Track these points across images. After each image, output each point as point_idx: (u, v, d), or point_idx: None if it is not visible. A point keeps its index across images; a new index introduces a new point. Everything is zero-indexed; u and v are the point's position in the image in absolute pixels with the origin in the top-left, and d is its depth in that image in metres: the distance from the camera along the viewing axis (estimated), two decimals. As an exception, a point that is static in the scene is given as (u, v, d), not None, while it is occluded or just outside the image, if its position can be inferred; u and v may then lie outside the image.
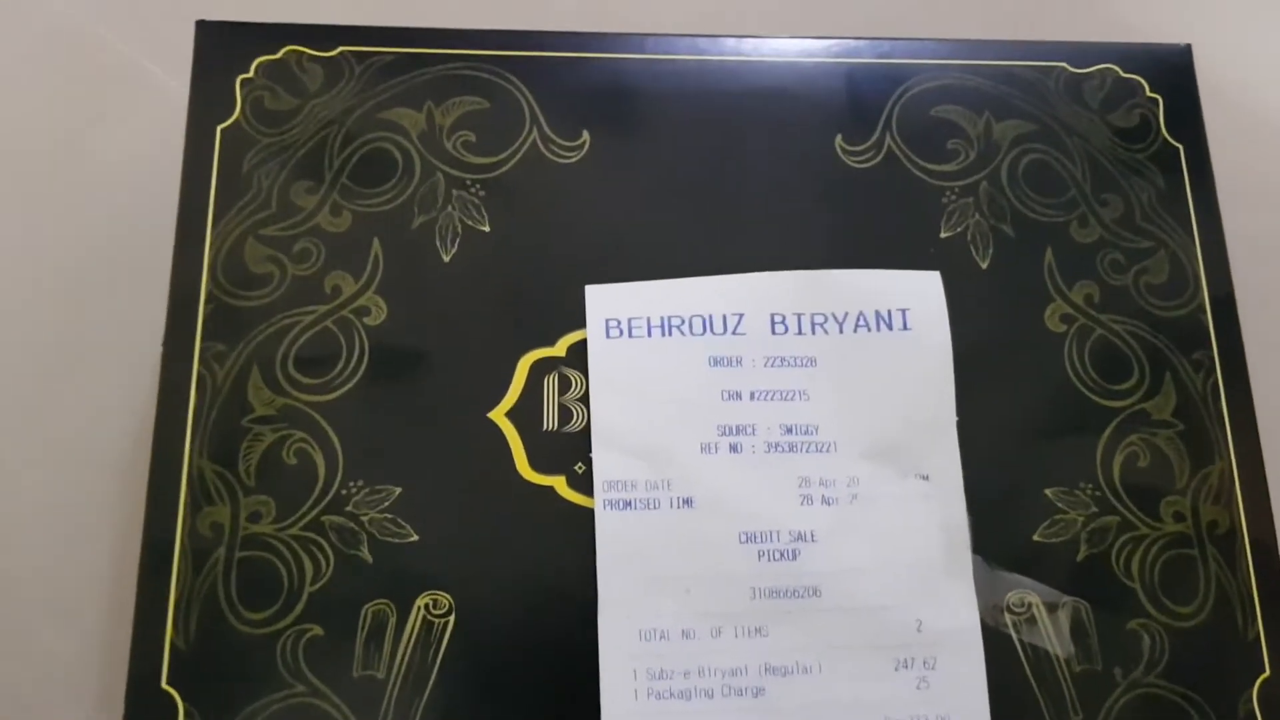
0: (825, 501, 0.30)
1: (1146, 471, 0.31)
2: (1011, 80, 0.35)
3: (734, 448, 0.30)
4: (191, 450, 0.30)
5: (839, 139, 0.34)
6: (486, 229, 0.32)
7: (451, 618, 0.29)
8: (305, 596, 0.29)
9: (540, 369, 0.31)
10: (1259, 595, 0.30)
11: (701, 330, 0.31)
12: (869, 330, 0.31)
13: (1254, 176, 0.39)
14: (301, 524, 0.29)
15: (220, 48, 0.33)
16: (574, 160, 0.33)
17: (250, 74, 0.33)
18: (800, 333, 0.31)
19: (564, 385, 0.31)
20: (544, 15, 0.35)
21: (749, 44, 0.35)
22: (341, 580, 0.29)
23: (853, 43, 0.35)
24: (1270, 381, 0.33)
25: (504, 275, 0.32)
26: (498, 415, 0.31)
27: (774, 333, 0.31)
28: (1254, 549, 0.31)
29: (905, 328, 0.31)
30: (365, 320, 0.31)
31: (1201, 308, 0.33)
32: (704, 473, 0.30)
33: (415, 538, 0.29)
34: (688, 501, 0.30)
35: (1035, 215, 0.33)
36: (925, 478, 0.30)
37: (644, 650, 0.29)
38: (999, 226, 0.33)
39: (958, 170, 0.33)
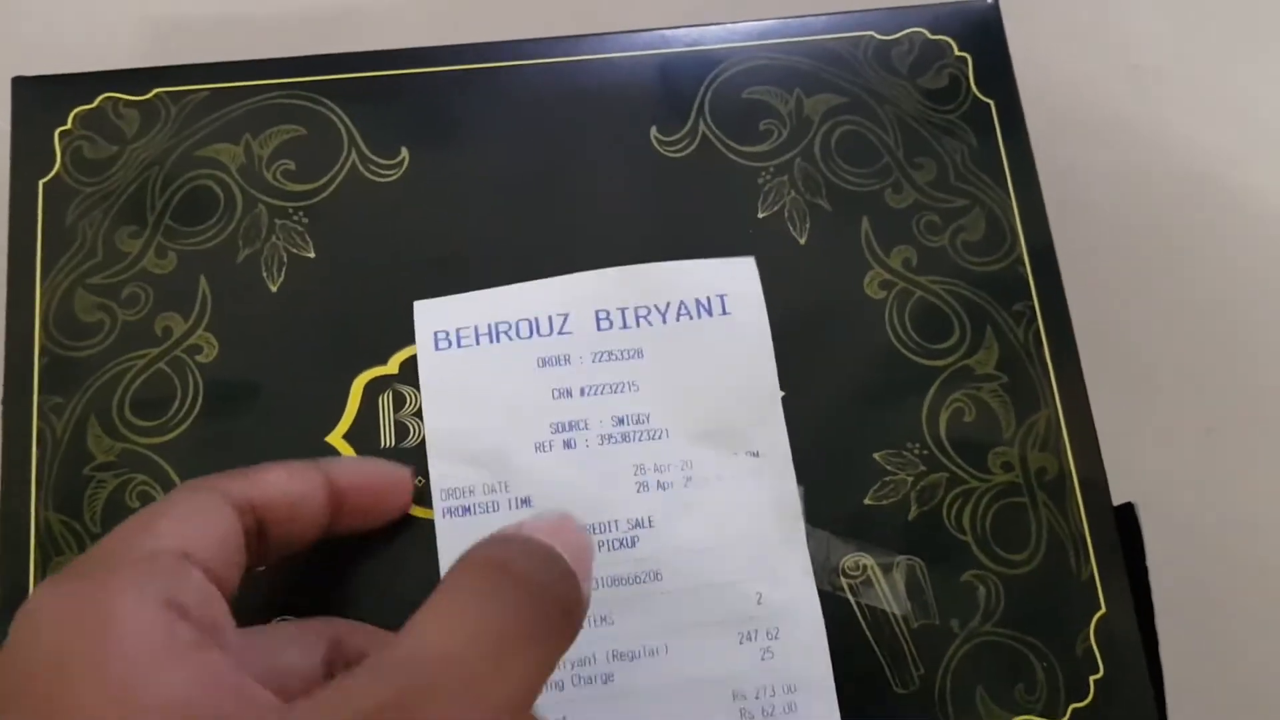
0: (661, 487, 0.31)
1: (972, 426, 0.32)
2: (821, 54, 0.35)
3: (568, 444, 0.31)
4: (38, 504, 0.30)
5: (654, 130, 0.34)
6: (312, 255, 0.33)
7: (303, 639, 0.30)
8: (158, 634, 0.29)
9: (374, 388, 0.32)
10: (1091, 535, 0.31)
11: (529, 334, 0.32)
12: (691, 318, 0.32)
13: (1071, 125, 0.40)
14: (149, 564, 0.30)
15: (37, 102, 0.34)
16: (395, 178, 0.33)
17: (68, 125, 0.33)
18: (625, 326, 0.32)
19: (399, 402, 0.32)
20: (355, 36, 0.36)
21: (562, 45, 0.35)
22: (192, 615, 0.30)
23: (664, 33, 0.35)
24: (1096, 325, 0.34)
25: (332, 299, 0.32)
26: (335, 438, 0.31)
27: (599, 329, 0.32)
28: (1084, 490, 0.32)
29: (725, 312, 0.32)
30: (197, 358, 0.32)
31: (1020, 260, 0.34)
32: (540, 471, 0.31)
33: (261, 567, 0.30)
34: (526, 501, 0.31)
35: (850, 186, 0.34)
36: (755, 454, 0.31)
37: None
38: (815, 201, 0.34)
39: (771, 150, 0.34)
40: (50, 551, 0.30)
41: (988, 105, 0.35)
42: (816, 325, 0.32)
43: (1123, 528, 0.31)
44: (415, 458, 0.31)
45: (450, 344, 0.32)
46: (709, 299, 0.32)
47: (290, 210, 0.33)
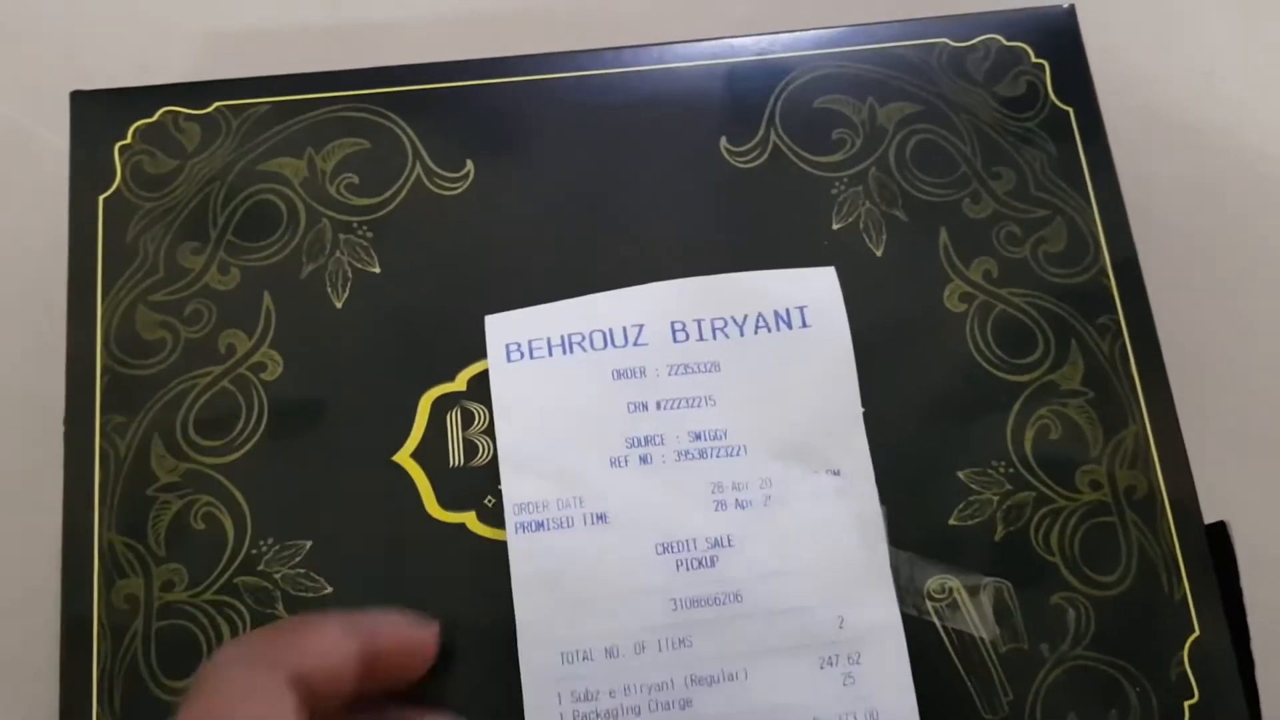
0: (739, 505, 0.30)
1: (1059, 443, 0.31)
2: (893, 62, 0.34)
3: (644, 459, 0.30)
4: (101, 525, 0.30)
5: (723, 141, 0.33)
6: (377, 270, 0.32)
7: (373, 665, 0.29)
8: (225, 659, 0.29)
9: (442, 406, 0.31)
10: (1183, 556, 0.30)
11: (603, 345, 0.31)
12: (769, 331, 0.31)
13: (1150, 133, 0.39)
14: (215, 588, 0.29)
15: (97, 117, 0.33)
16: (460, 191, 0.33)
17: (128, 140, 0.33)
18: (701, 339, 0.31)
19: (467, 420, 0.31)
20: (416, 48, 0.35)
21: (626, 54, 0.34)
22: (260, 639, 0.29)
23: (730, 42, 0.34)
24: (1180, 338, 0.33)
25: (398, 315, 0.32)
26: (402, 457, 0.30)
27: (675, 341, 0.31)
28: (1174, 509, 0.31)
29: (804, 325, 0.31)
30: (262, 376, 0.31)
31: (1104, 272, 0.33)
32: (615, 487, 0.30)
33: (329, 590, 0.29)
34: (601, 517, 0.30)
35: (926, 196, 0.33)
36: (836, 473, 0.30)
37: (567, 673, 0.29)
38: (890, 212, 0.33)
39: (845, 160, 0.33)
40: (114, 574, 0.29)
41: (1066, 113, 0.34)
42: (896, 339, 0.32)
43: (1215, 547, 0.30)
44: (485, 476, 0.30)
45: (523, 356, 0.31)
46: (788, 311, 0.31)
47: (354, 225, 0.32)
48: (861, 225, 0.33)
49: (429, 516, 0.30)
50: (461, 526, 0.30)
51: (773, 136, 0.33)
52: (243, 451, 0.30)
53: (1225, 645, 0.30)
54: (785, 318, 0.31)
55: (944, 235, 0.33)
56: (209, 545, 0.30)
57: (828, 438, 0.30)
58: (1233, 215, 0.38)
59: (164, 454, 0.30)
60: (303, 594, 0.29)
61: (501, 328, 0.31)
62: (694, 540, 0.30)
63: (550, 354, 0.31)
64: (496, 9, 0.41)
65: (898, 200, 0.33)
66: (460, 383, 0.31)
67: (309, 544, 0.30)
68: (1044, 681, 0.29)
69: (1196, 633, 0.30)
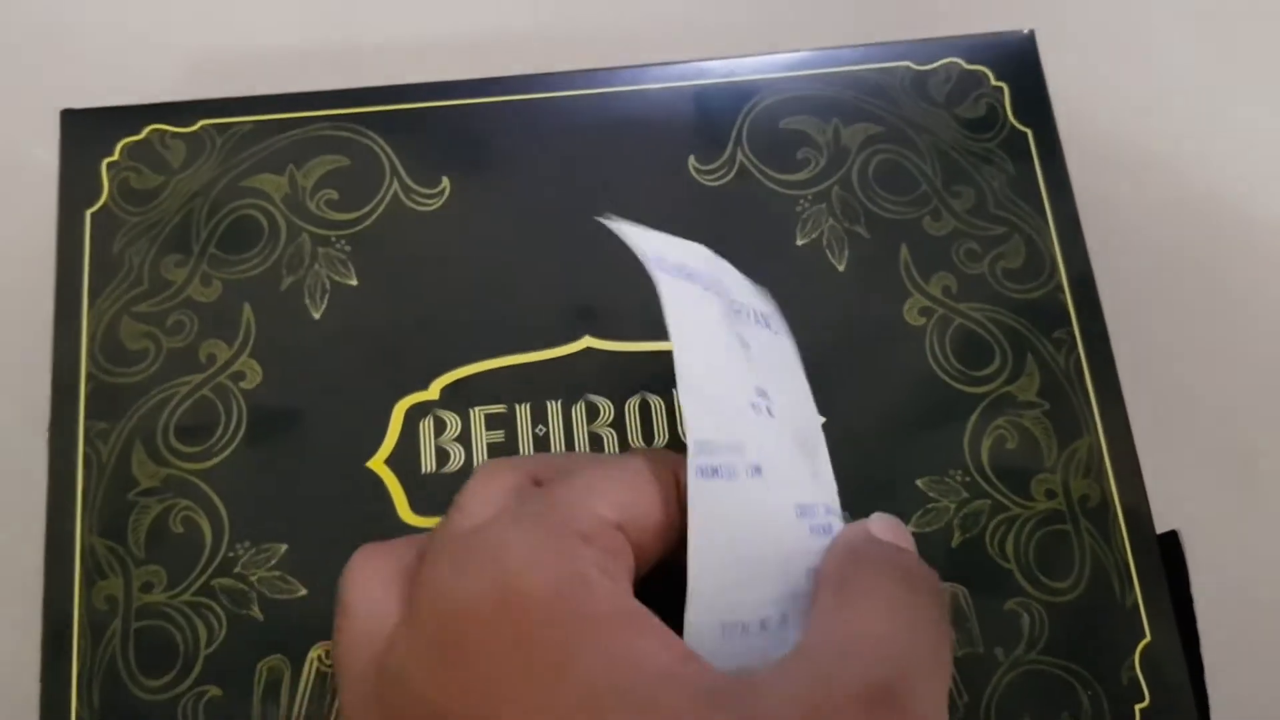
0: (816, 470, 0.27)
1: (1015, 453, 0.32)
2: (858, 85, 0.35)
3: (768, 410, 0.25)
4: (83, 528, 0.31)
5: (692, 159, 0.34)
6: (354, 283, 0.33)
7: (344, 665, 0.30)
8: (201, 659, 0.30)
9: (415, 413, 0.32)
10: (1135, 563, 0.31)
11: (715, 283, 0.27)
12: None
13: (1107, 153, 0.40)
14: (193, 590, 0.30)
15: (86, 134, 0.34)
16: (435, 207, 0.34)
17: (115, 156, 0.34)
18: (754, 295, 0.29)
19: (439, 427, 0.32)
20: (396, 69, 0.36)
21: (599, 76, 0.35)
22: (235, 640, 0.30)
23: (699, 65, 0.36)
24: (1135, 351, 0.34)
25: (374, 325, 0.33)
26: (376, 463, 0.31)
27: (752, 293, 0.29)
28: (1127, 517, 0.31)
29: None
30: (241, 384, 0.32)
31: (1060, 287, 0.34)
32: (760, 435, 0.24)
33: (304, 592, 0.30)
34: (757, 470, 0.24)
35: (888, 214, 0.34)
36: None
37: (722, 648, 0.23)
38: (853, 229, 0.34)
39: (809, 178, 0.34)
40: (95, 575, 0.30)
41: (1025, 134, 0.35)
42: (856, 352, 0.32)
43: (1167, 555, 0.31)
44: (456, 482, 0.31)
45: (678, 275, 0.25)
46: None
47: (333, 239, 0.33)
48: (825, 241, 0.34)
49: (401, 522, 0.31)
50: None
51: (740, 155, 0.34)
52: (221, 457, 0.31)
53: (1176, 650, 0.30)
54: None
55: (905, 251, 0.34)
56: (187, 548, 0.30)
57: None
58: (1187, 232, 0.39)
59: (145, 459, 0.31)
60: (278, 595, 0.30)
61: (643, 241, 0.25)
62: (817, 505, 0.25)
63: (692, 279, 0.26)
64: (473, 33, 0.42)
65: (860, 217, 0.34)
66: (433, 391, 0.32)
67: (284, 547, 0.30)
68: (998, 685, 0.30)
69: (1148, 638, 0.30)
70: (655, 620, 0.21)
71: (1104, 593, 0.31)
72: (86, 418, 0.32)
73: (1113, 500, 0.32)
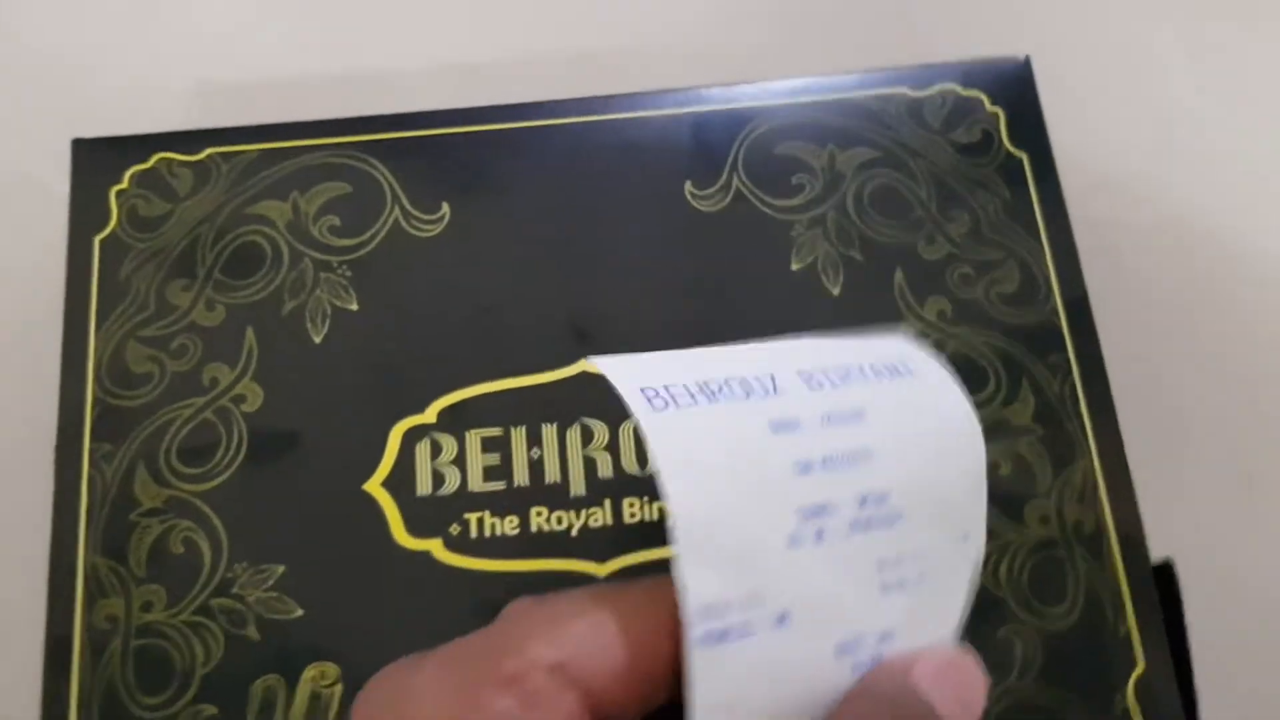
0: (900, 587, 0.23)
1: (1009, 479, 0.32)
2: (854, 111, 0.36)
3: (818, 535, 0.22)
4: (86, 547, 0.31)
5: (688, 185, 0.35)
6: (355, 307, 0.34)
7: (339, 686, 0.30)
8: (198, 678, 0.30)
9: (412, 436, 0.32)
10: (1129, 590, 0.31)
11: (744, 394, 0.23)
12: (896, 375, 0.25)
13: (1103, 178, 0.40)
14: (191, 609, 0.31)
15: (96, 163, 0.35)
16: (436, 232, 0.34)
17: (124, 184, 0.35)
18: (835, 386, 0.23)
19: (435, 450, 0.32)
20: (397, 97, 0.37)
21: (597, 103, 0.36)
22: (231, 660, 0.30)
23: (696, 91, 0.36)
24: (1130, 377, 0.34)
25: (373, 349, 0.33)
26: (373, 485, 0.32)
27: (811, 389, 0.23)
28: (1122, 545, 0.31)
29: (910, 373, 0.25)
30: (242, 407, 0.33)
31: (1055, 312, 0.34)
32: (795, 574, 0.22)
33: (300, 612, 0.31)
34: (783, 618, 0.21)
35: (883, 239, 0.34)
36: (965, 538, 0.24)
37: None
38: (848, 253, 0.34)
39: (805, 203, 0.35)
40: (96, 594, 0.31)
41: (1020, 159, 0.35)
42: (849, 377, 0.33)
43: (1161, 583, 0.31)
44: (450, 505, 0.32)
45: (667, 405, 0.22)
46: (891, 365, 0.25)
47: (334, 264, 0.34)
48: (820, 266, 0.34)
49: (396, 544, 0.31)
50: (427, 554, 0.31)
51: (735, 180, 0.35)
52: (222, 479, 0.32)
53: (1169, 680, 0.30)
54: (895, 370, 0.25)
55: (899, 276, 0.34)
56: (187, 568, 0.31)
57: (964, 496, 0.24)
58: (1182, 257, 0.39)
59: (148, 480, 0.32)
60: (274, 615, 0.31)
61: (624, 371, 0.22)
62: (864, 637, 0.22)
63: (695, 401, 0.22)
64: (472, 62, 0.43)
65: (855, 242, 0.34)
66: (430, 415, 0.32)
67: (281, 568, 0.31)
68: (991, 713, 0.30)
69: (1141, 667, 0.30)
70: None
71: (1098, 621, 0.31)
72: (92, 439, 0.32)
73: (1107, 527, 0.31)
